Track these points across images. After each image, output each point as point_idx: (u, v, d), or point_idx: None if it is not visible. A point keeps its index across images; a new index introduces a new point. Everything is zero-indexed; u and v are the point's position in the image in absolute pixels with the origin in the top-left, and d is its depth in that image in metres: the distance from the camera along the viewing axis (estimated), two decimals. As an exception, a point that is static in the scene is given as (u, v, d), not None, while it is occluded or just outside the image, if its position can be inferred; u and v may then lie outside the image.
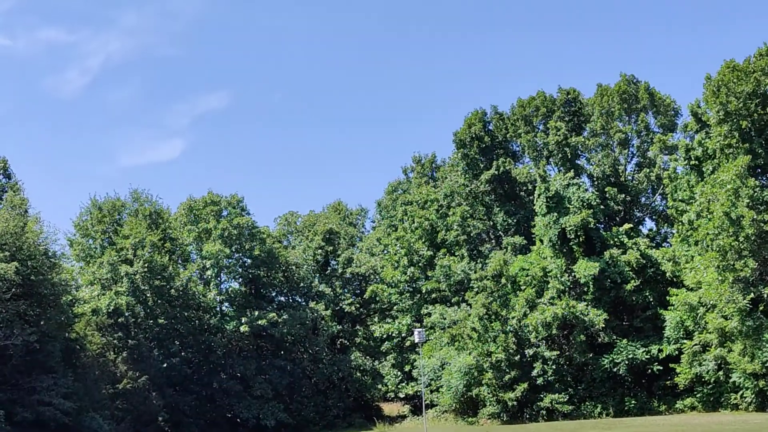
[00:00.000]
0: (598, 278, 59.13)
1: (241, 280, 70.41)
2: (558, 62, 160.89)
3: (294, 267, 72.90)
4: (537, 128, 71.26)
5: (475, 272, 65.27)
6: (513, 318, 60.24)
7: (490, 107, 73.26)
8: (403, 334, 71.98)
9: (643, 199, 70.81)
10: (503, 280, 62.05)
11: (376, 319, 75.80)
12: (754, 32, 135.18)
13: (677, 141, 64.48)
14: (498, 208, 71.23)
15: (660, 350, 57.24)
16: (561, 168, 66.96)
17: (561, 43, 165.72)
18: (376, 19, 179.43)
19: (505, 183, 71.46)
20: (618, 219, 68.27)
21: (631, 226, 65.15)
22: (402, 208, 77.89)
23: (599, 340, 59.90)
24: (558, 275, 61.23)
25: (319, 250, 77.15)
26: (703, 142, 56.29)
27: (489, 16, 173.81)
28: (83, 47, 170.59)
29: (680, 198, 58.50)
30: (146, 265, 61.60)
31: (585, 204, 60.94)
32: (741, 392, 52.49)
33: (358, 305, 76.35)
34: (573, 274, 60.76)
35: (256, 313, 66.32)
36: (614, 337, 59.33)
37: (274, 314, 66.57)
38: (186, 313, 65.02)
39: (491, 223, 72.24)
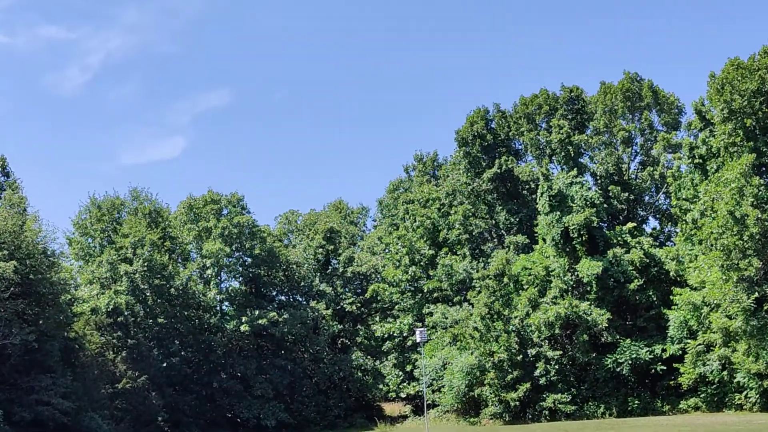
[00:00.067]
0: (601, 277, 58.78)
1: (241, 279, 70.12)
2: (561, 60, 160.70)
3: (295, 266, 72.64)
4: (540, 126, 70.95)
5: (477, 271, 64.92)
6: (515, 317, 59.90)
7: (492, 105, 73.14)
8: (404, 334, 71.67)
9: (647, 197, 70.50)
10: (505, 280, 61.69)
11: (377, 319, 75.49)
12: (759, 30, 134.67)
13: (681, 139, 64.21)
14: (500, 207, 70.87)
15: (663, 350, 56.91)
16: (564, 166, 66.62)
17: (564, 40, 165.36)
18: (377, 17, 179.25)
19: (507, 181, 71.09)
20: (621, 218, 67.98)
21: (635, 225, 64.87)
22: (403, 207, 77.56)
23: (602, 339, 59.52)
24: (561, 274, 60.90)
25: (320, 249, 76.85)
26: (707, 140, 55.94)
27: (491, 14, 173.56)
28: (83, 44, 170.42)
29: (684, 197, 58.14)
30: (146, 264, 61.31)
31: (588, 203, 60.58)
32: (745, 392, 52.19)
33: (359, 304, 76.05)
34: (576, 273, 60.41)
35: (257, 312, 66.03)
36: (617, 336, 58.97)
37: (275, 313, 66.27)
38: (186, 313, 64.76)
39: (493, 221, 71.90)
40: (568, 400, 58.42)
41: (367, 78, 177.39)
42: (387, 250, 77.78)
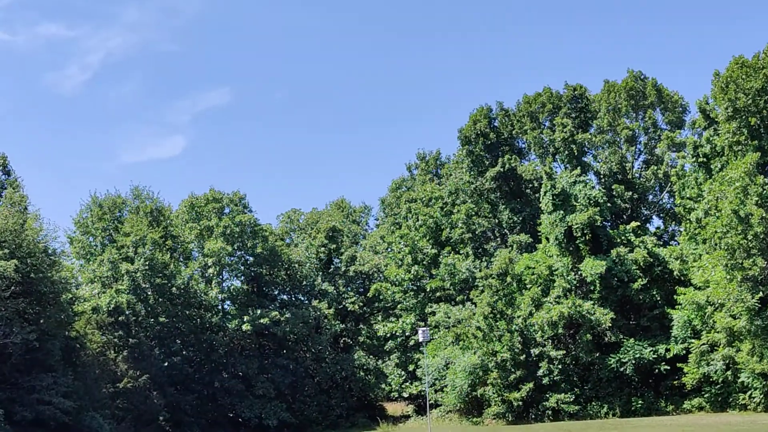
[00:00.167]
0: (605, 277, 58.57)
1: (243, 278, 69.94)
2: (565, 59, 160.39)
3: (297, 265, 72.46)
4: (543, 125, 70.78)
5: (480, 270, 64.66)
6: (518, 317, 59.69)
7: (495, 104, 72.84)
8: (407, 333, 71.46)
9: (651, 196, 70.31)
10: (508, 279, 61.47)
11: (379, 318, 75.29)
12: (764, 28, 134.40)
13: (685, 138, 64.00)
14: (503, 206, 70.63)
15: (667, 350, 56.71)
16: (567, 165, 66.39)
17: (567, 39, 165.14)
18: (379, 16, 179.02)
19: (510, 180, 70.85)
20: (625, 217, 67.79)
21: (638, 224, 64.69)
22: (406, 206, 77.32)
23: (606, 339, 59.30)
24: (564, 274, 60.68)
25: (322, 248, 76.64)
26: (711, 139, 55.73)
27: (494, 12, 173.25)
28: (84, 43, 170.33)
29: (688, 196, 57.95)
30: (147, 262, 61.11)
31: (592, 202, 60.35)
32: (749, 392, 52.01)
33: (361, 304, 75.82)
34: (579, 272, 60.19)
35: (259, 311, 65.82)
36: (621, 336, 58.76)
37: (277, 313, 66.07)
38: (187, 312, 64.60)
39: (496, 220, 71.66)
40: (572, 400, 58.22)
41: (369, 76, 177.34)
42: (389, 249, 77.57)
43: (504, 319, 59.99)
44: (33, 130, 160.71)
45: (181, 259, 68.91)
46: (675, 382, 57.05)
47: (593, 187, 63.06)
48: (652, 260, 59.65)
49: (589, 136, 68.23)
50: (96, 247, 66.51)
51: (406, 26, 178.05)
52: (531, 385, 58.47)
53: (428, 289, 71.31)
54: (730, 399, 53.85)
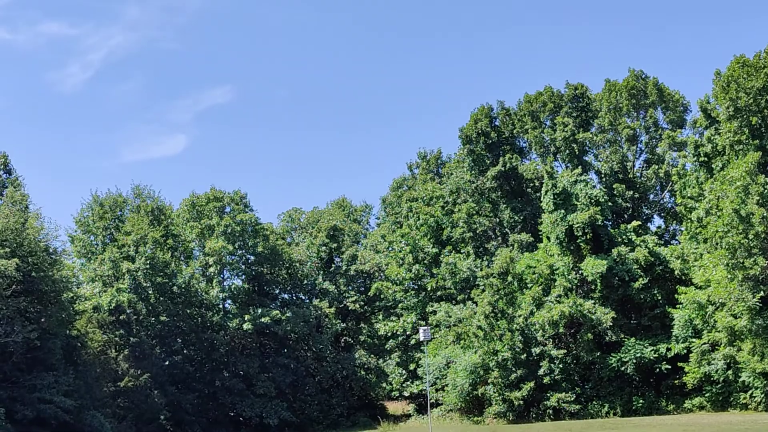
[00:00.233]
0: (606, 276, 58.53)
1: (244, 277, 69.94)
2: (565, 58, 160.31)
3: (297, 264, 72.49)
4: (544, 124, 70.75)
5: (481, 270, 64.63)
6: (519, 316, 59.64)
7: (496, 103, 72.74)
8: (407, 332, 71.48)
9: (652, 196, 70.27)
10: (509, 278, 61.45)
11: (380, 317, 75.29)
12: (765, 28, 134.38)
13: (686, 137, 63.98)
14: (504, 205, 70.59)
15: (668, 349, 56.62)
16: (568, 164, 66.42)
17: (568, 38, 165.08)
18: (381, 14, 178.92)
19: (511, 179, 70.82)
20: (626, 216, 67.74)
21: (640, 223, 64.62)
22: (407, 205, 77.30)
23: (607, 338, 59.22)
24: (565, 273, 60.65)
25: (323, 247, 76.67)
26: (712, 138, 55.63)
27: (495, 12, 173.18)
28: (85, 41, 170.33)
29: (689, 195, 57.84)
30: (148, 261, 61.14)
31: (593, 201, 60.30)
32: (750, 392, 51.88)
33: (362, 303, 75.86)
34: (580, 271, 60.15)
35: (259, 310, 65.86)
36: (622, 335, 58.71)
37: (278, 312, 66.13)
38: (188, 311, 64.66)
39: (497, 219, 71.63)
40: (572, 399, 58.18)
41: (370, 75, 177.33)
42: (390, 248, 77.57)
43: (505, 319, 59.96)
44: (34, 129, 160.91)
45: (182, 258, 68.92)
46: (676, 382, 56.97)
47: (594, 187, 63.05)
48: (653, 259, 59.61)
49: (590, 136, 68.20)
50: (97, 245, 66.56)
51: (408, 25, 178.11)
52: (532, 384, 58.43)
53: (429, 288, 71.33)
54: (731, 398, 53.78)
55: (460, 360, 61.56)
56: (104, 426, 48.62)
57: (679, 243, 62.50)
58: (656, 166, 68.25)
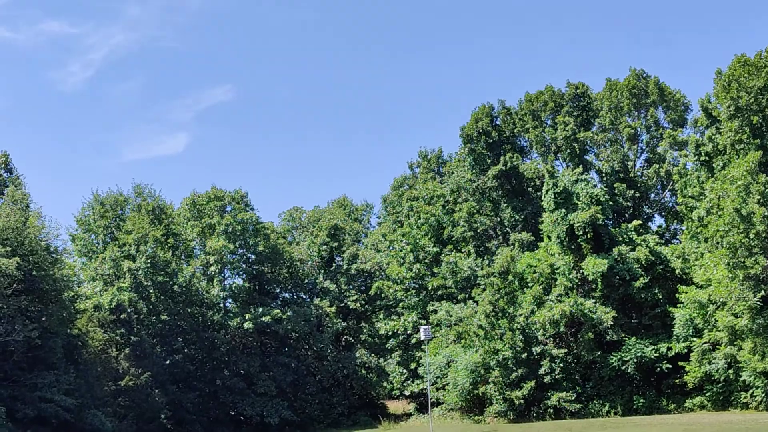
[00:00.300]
0: (607, 275, 58.52)
1: (244, 276, 69.88)
2: (566, 57, 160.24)
3: (298, 263, 72.44)
4: (545, 123, 70.73)
5: (482, 269, 64.64)
6: (520, 315, 59.64)
7: (497, 102, 72.71)
8: (408, 332, 71.45)
9: (653, 195, 70.24)
10: (510, 277, 61.46)
11: (381, 316, 75.26)
12: (766, 27, 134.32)
13: (687, 136, 63.96)
14: (505, 204, 70.57)
15: (669, 348, 56.63)
16: (569, 163, 66.41)
17: (569, 38, 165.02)
18: (382, 14, 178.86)
19: (512, 178, 70.79)
20: (627, 215, 67.71)
21: (640, 222, 64.59)
22: (408, 204, 77.29)
23: (607, 337, 59.24)
24: (566, 272, 60.64)
25: (324, 246, 76.64)
26: (713, 137, 55.61)
27: (496, 11, 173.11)
28: (86, 40, 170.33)
29: (690, 194, 57.85)
30: (149, 260, 61.12)
31: (593, 200, 60.30)
32: (751, 391, 51.92)
33: (363, 302, 75.84)
34: (581, 271, 60.14)
35: (260, 309, 65.83)
36: (623, 334, 58.73)
37: (278, 311, 66.09)
38: (189, 310, 64.64)
39: (498, 219, 71.61)
40: (573, 398, 58.18)
41: (372, 74, 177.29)
42: (391, 248, 77.55)
43: (506, 318, 59.97)
44: (35, 128, 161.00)
45: (183, 257, 68.86)
46: (677, 381, 56.99)
47: (595, 186, 63.04)
48: (653, 259, 59.61)
49: (591, 135, 68.16)
50: (98, 244, 66.50)
51: (408, 25, 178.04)
52: (532, 383, 58.43)
53: (430, 288, 71.31)
54: (732, 398, 53.80)
55: (460, 359, 61.55)
56: (105, 425, 48.64)
57: (680, 242, 62.49)
58: (657, 166, 68.22)
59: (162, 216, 66.56)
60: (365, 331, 75.82)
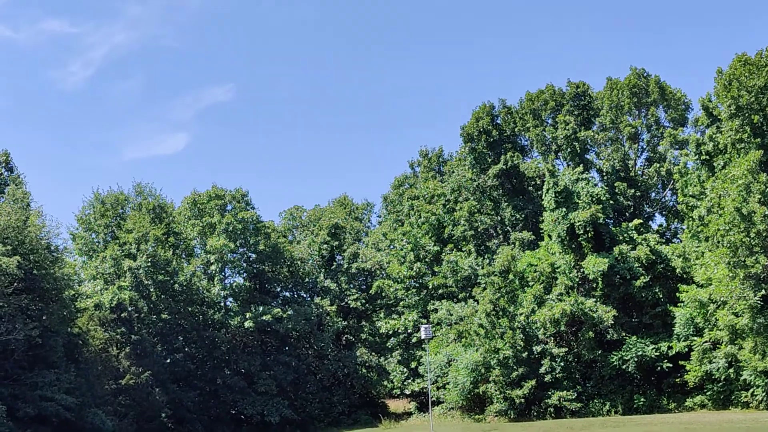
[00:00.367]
0: (607, 274, 58.51)
1: (245, 275, 69.90)
2: (567, 56, 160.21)
3: (299, 262, 72.47)
4: (546, 122, 70.76)
5: (483, 268, 64.64)
6: (521, 314, 59.64)
7: (498, 101, 72.76)
8: (409, 330, 71.43)
9: (653, 194, 70.23)
10: (511, 276, 61.46)
11: (381, 315, 75.25)
12: (767, 26, 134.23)
13: (688, 135, 63.97)
14: (506, 203, 70.57)
15: (670, 347, 56.63)
16: (570, 162, 66.42)
17: (570, 37, 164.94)
18: (383, 13, 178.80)
19: (513, 177, 70.80)
20: (627, 214, 67.71)
21: (641, 221, 64.57)
22: (408, 203, 77.26)
23: (608, 336, 59.24)
24: (566, 271, 60.62)
25: (325, 245, 76.65)
26: (714, 136, 55.59)
27: (497, 10, 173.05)
28: (86, 39, 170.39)
29: (691, 193, 57.83)
30: (149, 259, 61.10)
31: (594, 199, 60.29)
32: (752, 390, 51.93)
33: (363, 301, 75.85)
34: (582, 270, 60.12)
35: (261, 308, 65.85)
36: (623, 333, 58.72)
37: (279, 310, 66.11)
38: (190, 309, 64.64)
39: (499, 218, 71.60)
40: (574, 397, 58.16)
41: (372, 73, 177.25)
42: (392, 246, 77.54)
43: (506, 317, 59.96)
44: (35, 127, 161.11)
45: (184, 256, 68.89)
46: (677, 380, 57.00)
47: (596, 185, 63.02)
48: (654, 258, 59.61)
49: (592, 134, 68.15)
50: (98, 243, 66.46)
51: (409, 24, 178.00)
52: (533, 382, 58.42)
53: (430, 287, 71.30)
54: (733, 397, 53.80)
55: (461, 358, 61.54)
56: (105, 423, 48.64)
57: (681, 241, 62.48)
58: (658, 165, 68.21)
59: (162, 215, 66.56)
60: (366, 330, 75.83)
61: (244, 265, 69.56)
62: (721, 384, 54.16)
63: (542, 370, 59.13)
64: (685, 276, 58.16)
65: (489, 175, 70.21)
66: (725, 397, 54.34)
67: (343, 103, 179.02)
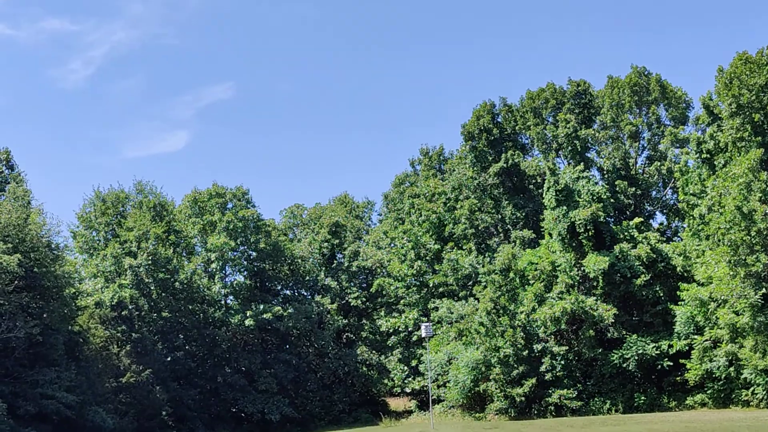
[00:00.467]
0: (608, 273, 58.47)
1: (246, 273, 69.92)
2: (568, 55, 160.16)
3: (300, 260, 72.47)
4: (546, 120, 70.70)
5: (483, 266, 64.63)
6: (521, 312, 59.61)
7: (498, 99, 72.70)
8: (409, 329, 71.43)
9: (654, 192, 70.15)
10: (511, 275, 61.41)
11: (382, 313, 75.26)
12: (767, 25, 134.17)
13: (689, 134, 63.82)
14: (506, 202, 70.54)
15: (670, 346, 56.61)
16: (570, 161, 66.36)
17: (571, 35, 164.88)
18: (384, 12, 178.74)
19: (513, 176, 70.76)
20: (628, 213, 67.62)
21: (642, 220, 64.48)
22: (409, 201, 77.25)
23: (608, 335, 59.23)
24: (567, 269, 60.60)
25: (325, 243, 76.65)
26: (714, 135, 55.54)
27: (497, 8, 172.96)
28: (87, 38, 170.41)
29: (691, 192, 57.79)
30: (150, 257, 61.14)
31: (595, 197, 60.28)
32: (752, 389, 51.86)
33: (364, 299, 75.85)
34: (582, 268, 60.10)
35: (261, 306, 65.85)
36: (624, 332, 58.70)
37: (280, 308, 66.11)
38: (190, 307, 64.65)
39: (499, 216, 71.57)
40: (574, 395, 58.10)
41: (373, 72, 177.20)
42: (392, 245, 77.53)
43: (507, 315, 59.95)
44: (36, 125, 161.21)
45: (184, 254, 68.93)
46: (678, 378, 56.98)
47: (596, 183, 62.99)
48: (655, 256, 59.57)
49: (593, 132, 68.10)
50: (99, 241, 66.57)
51: (411, 23, 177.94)
52: (533, 380, 58.38)
53: (431, 285, 71.28)
54: (733, 395, 53.75)
55: (461, 356, 61.51)
56: (106, 422, 48.69)
57: (681, 240, 62.42)
58: (658, 163, 68.17)
59: (163, 213, 66.64)
60: (366, 328, 75.85)
61: (245, 263, 69.58)
62: (721, 382, 54.11)
63: (543, 368, 59.11)
64: (685, 274, 58.14)
65: (490, 174, 70.19)
66: (726, 396, 54.31)
67: (344, 103, 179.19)
